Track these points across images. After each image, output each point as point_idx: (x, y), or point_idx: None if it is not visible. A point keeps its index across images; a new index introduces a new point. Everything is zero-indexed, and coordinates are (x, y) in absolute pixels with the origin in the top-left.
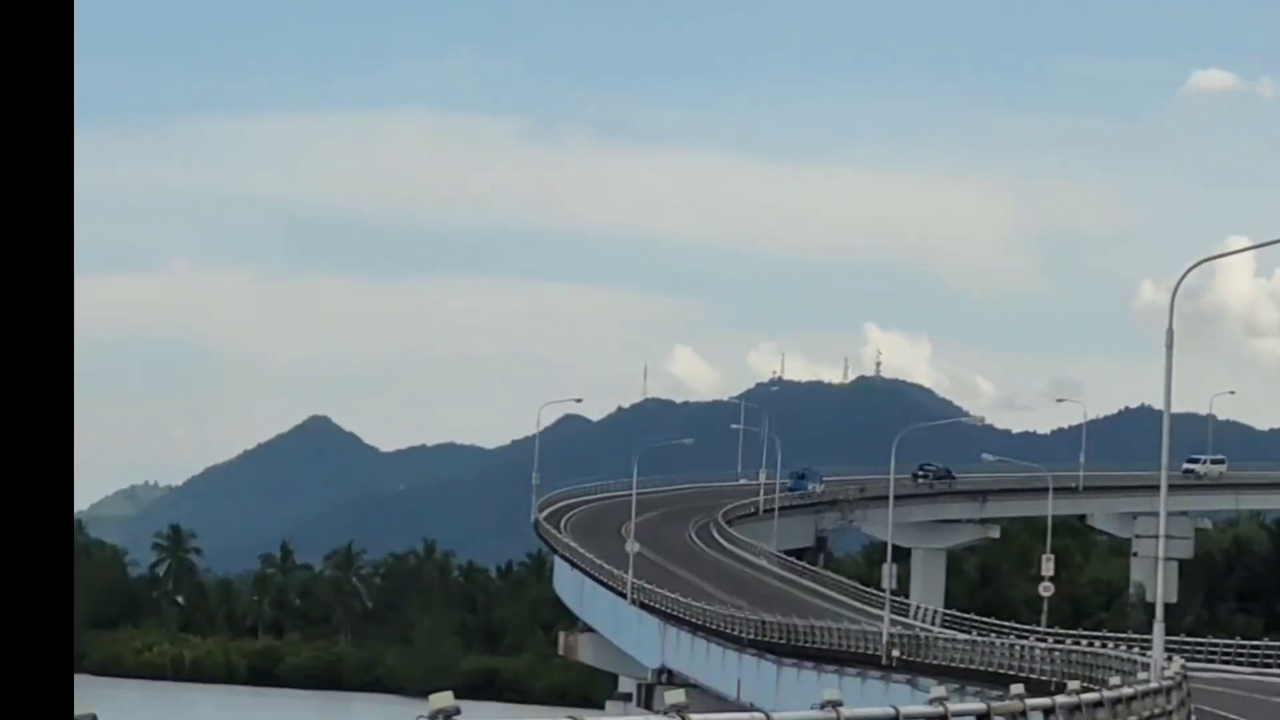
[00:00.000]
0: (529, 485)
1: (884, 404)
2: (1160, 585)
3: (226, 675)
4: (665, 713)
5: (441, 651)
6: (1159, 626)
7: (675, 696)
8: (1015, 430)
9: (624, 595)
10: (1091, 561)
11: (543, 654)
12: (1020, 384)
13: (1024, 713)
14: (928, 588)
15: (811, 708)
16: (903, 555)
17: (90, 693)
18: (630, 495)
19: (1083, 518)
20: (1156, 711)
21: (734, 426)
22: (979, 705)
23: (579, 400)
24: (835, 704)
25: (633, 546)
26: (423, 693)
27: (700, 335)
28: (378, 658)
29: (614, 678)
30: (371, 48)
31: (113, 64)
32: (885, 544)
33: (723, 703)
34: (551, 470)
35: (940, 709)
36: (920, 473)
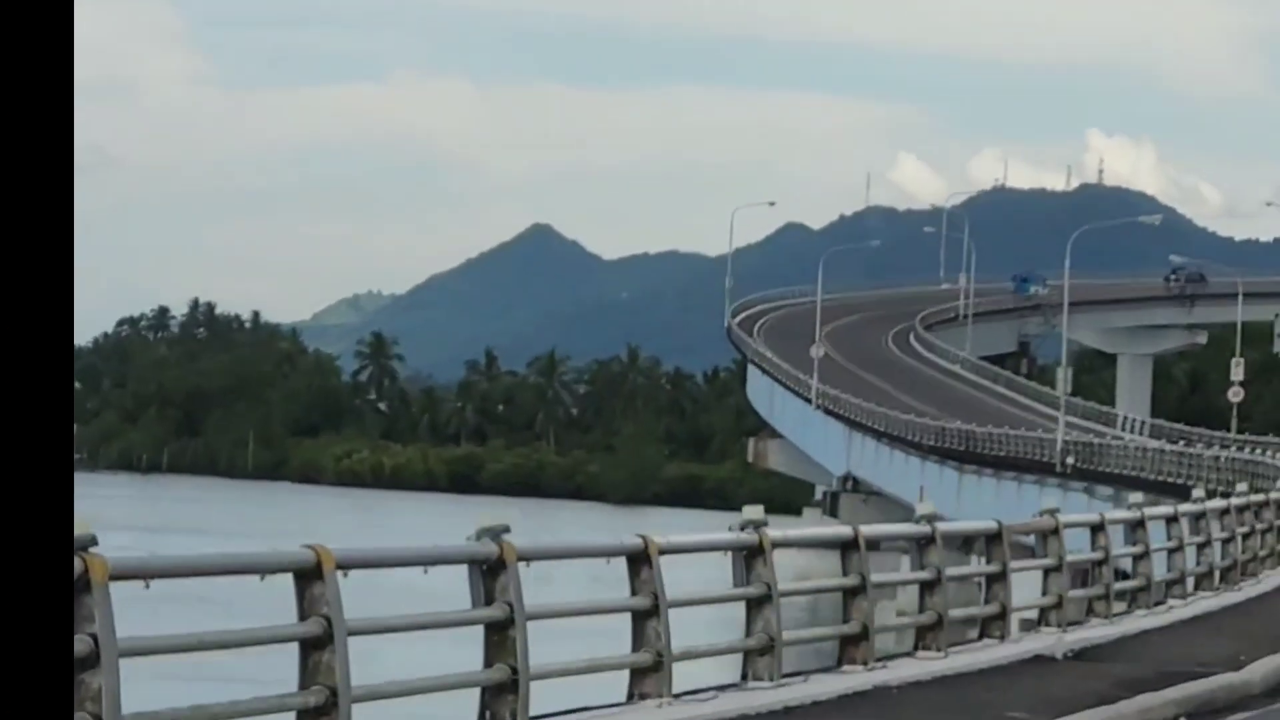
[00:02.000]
0: (746, 292)
1: (1107, 211)
2: None
3: (427, 482)
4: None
5: (644, 458)
6: None
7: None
8: (1238, 238)
9: (809, 401)
10: None
11: (745, 461)
12: (1245, 191)
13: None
14: (1135, 395)
15: (1033, 516)
16: (1108, 361)
17: (288, 498)
18: (821, 301)
19: None
20: None
21: (927, 230)
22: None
23: (772, 204)
24: (1053, 512)
25: (818, 351)
26: (624, 500)
27: (923, 143)
28: (579, 465)
29: (812, 485)
30: None
31: None
32: (1093, 350)
33: (906, 510)
34: (773, 278)
35: (1138, 514)
36: (1173, 275)
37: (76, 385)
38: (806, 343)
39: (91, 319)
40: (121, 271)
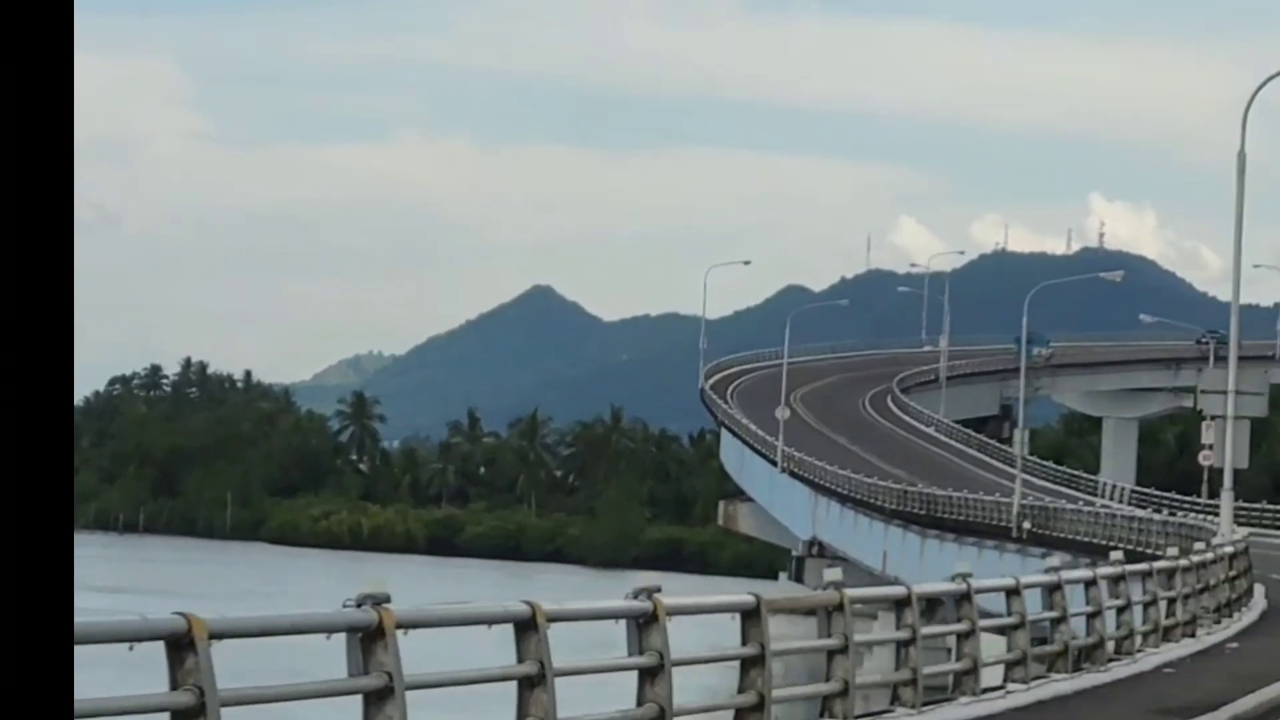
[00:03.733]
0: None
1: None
2: (1229, 449)
3: (405, 544)
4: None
5: (624, 521)
6: (1227, 495)
7: (832, 574)
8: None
9: (775, 463)
10: None
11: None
12: (1246, 256)
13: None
14: (1120, 459)
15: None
16: (1094, 425)
17: (261, 560)
18: (802, 362)
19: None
20: (1212, 581)
21: (901, 289)
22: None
23: (747, 263)
24: (965, 576)
25: (783, 413)
26: (604, 563)
27: (924, 206)
28: (560, 528)
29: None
30: None
31: None
32: (1081, 415)
33: (871, 576)
34: (772, 340)
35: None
36: (1204, 339)
37: None
38: (778, 405)
39: (85, 378)
40: (120, 331)
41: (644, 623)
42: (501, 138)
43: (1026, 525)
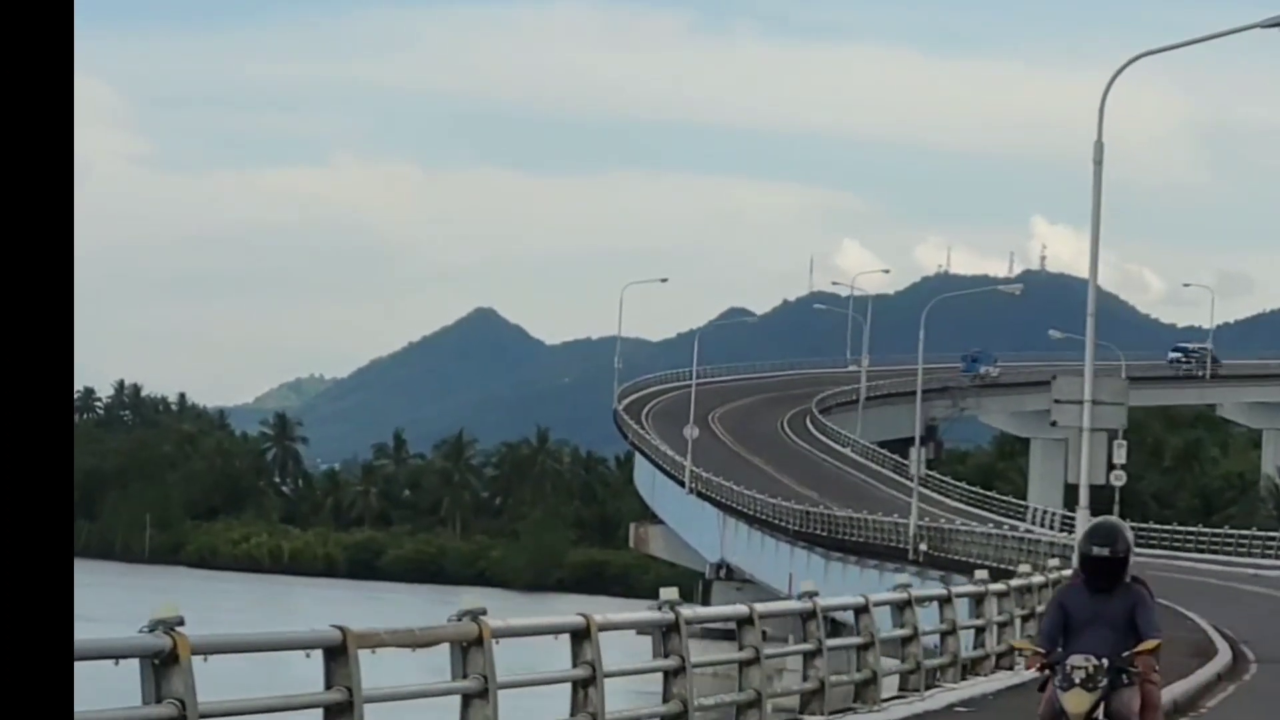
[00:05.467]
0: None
1: (1049, 297)
2: (1085, 464)
3: (326, 568)
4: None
5: (548, 544)
6: (1082, 513)
7: (669, 593)
8: (1181, 324)
9: (683, 484)
10: (1229, 455)
11: None
12: (1187, 278)
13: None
14: (1047, 480)
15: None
16: (1023, 446)
17: (174, 583)
18: (722, 382)
19: (1212, 408)
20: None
21: (817, 307)
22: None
23: (664, 280)
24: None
25: (691, 432)
26: (527, 586)
27: (867, 229)
28: (482, 550)
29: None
30: None
31: None
32: (1012, 436)
33: (779, 600)
34: (713, 364)
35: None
36: (1180, 357)
37: None
38: (698, 426)
39: None
40: None
41: (468, 646)
42: (443, 161)
43: (923, 547)
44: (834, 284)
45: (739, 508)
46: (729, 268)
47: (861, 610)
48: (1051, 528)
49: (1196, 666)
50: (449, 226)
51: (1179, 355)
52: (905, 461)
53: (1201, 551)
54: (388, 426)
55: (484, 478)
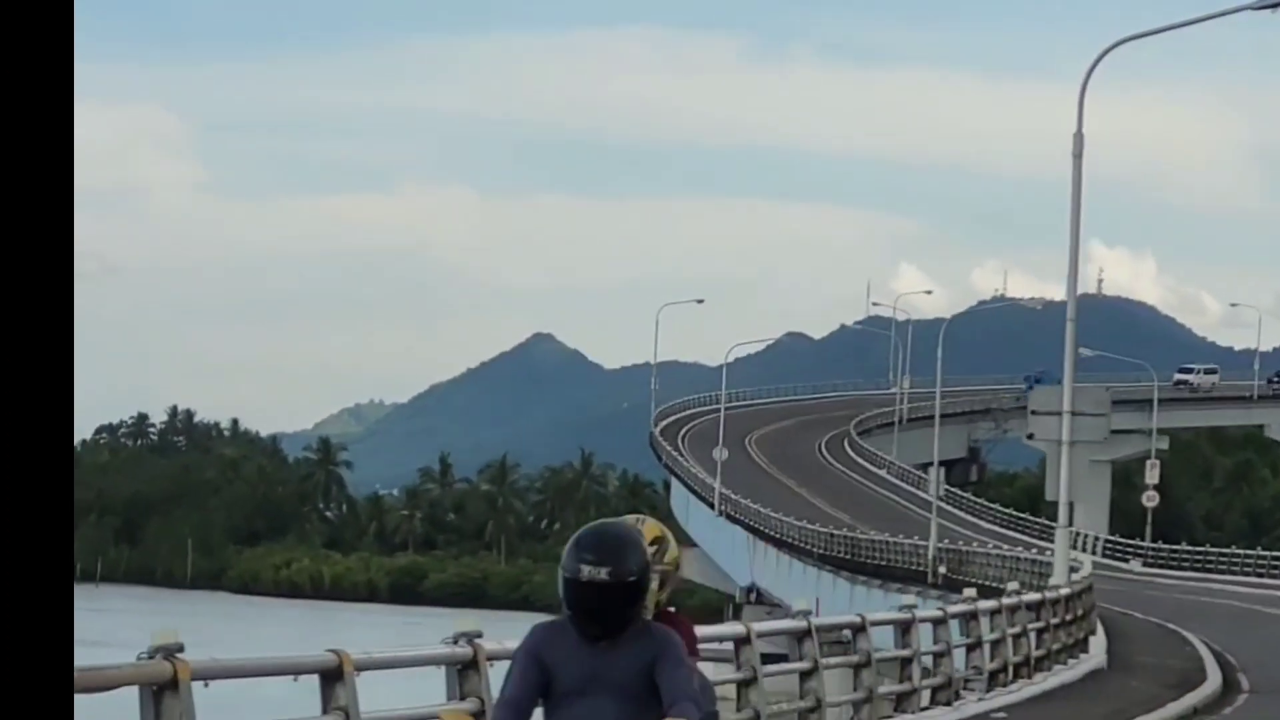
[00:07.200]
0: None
1: (1105, 321)
2: (1064, 485)
3: (368, 593)
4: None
5: None
6: (1062, 533)
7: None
8: (1238, 347)
9: (713, 506)
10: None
11: None
12: (1246, 301)
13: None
14: (1092, 503)
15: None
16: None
17: (216, 608)
18: (757, 405)
19: (1261, 428)
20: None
21: (855, 325)
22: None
23: (700, 301)
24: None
25: (720, 453)
26: None
27: (925, 253)
28: (525, 574)
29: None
30: None
31: None
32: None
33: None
34: (767, 386)
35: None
36: (1186, 379)
37: None
38: (734, 449)
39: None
40: (118, 379)
41: (464, 669)
42: (503, 186)
43: (942, 569)
44: (874, 304)
45: (766, 530)
46: (788, 292)
47: (859, 629)
48: (1095, 553)
49: (1170, 699)
50: (509, 252)
51: (1184, 378)
52: (943, 483)
53: (1246, 574)
54: (447, 451)
55: (529, 502)
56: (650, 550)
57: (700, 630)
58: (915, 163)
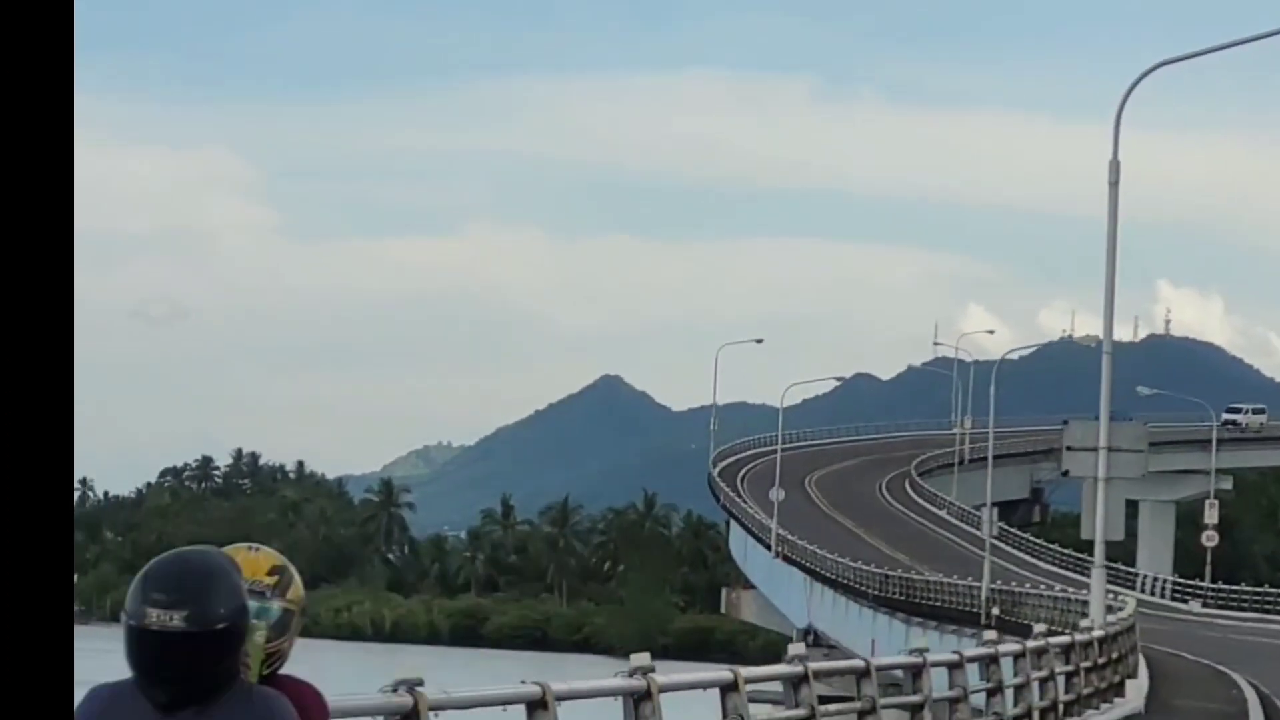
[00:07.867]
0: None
1: (1172, 361)
2: (1100, 522)
3: (429, 635)
4: None
5: (653, 610)
6: (1098, 572)
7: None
8: None
9: (769, 547)
10: None
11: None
12: None
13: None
14: (1156, 544)
15: None
16: (1132, 509)
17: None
18: (816, 446)
19: None
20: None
21: (922, 365)
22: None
23: (760, 341)
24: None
25: (777, 494)
26: (630, 653)
27: (992, 294)
28: (587, 617)
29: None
30: (662, 7)
31: (408, 27)
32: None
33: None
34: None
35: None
36: (1231, 418)
37: (77, 536)
38: (793, 490)
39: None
40: (188, 422)
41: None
42: (571, 228)
43: (995, 611)
44: (936, 344)
45: (822, 572)
46: (856, 333)
47: (919, 671)
48: (1161, 595)
49: None
50: (576, 294)
51: (1231, 418)
52: (1003, 525)
53: None
54: (514, 494)
55: (591, 543)
56: (268, 582)
57: (753, 670)
58: (983, 203)
